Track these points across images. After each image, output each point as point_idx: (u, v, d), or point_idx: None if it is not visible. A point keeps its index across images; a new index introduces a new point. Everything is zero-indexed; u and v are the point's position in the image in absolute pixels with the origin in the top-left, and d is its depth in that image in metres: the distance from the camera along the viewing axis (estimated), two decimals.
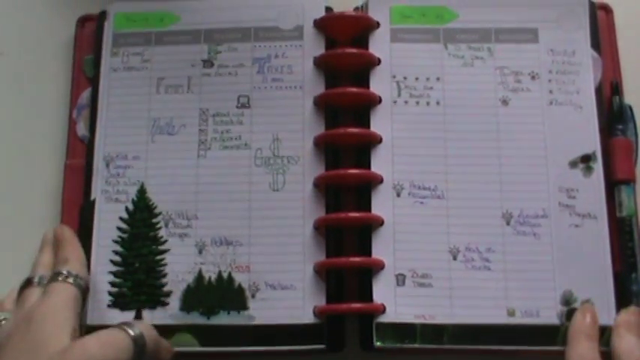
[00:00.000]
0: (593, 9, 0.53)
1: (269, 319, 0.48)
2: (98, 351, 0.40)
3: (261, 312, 0.48)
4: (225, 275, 0.49)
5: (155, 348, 0.44)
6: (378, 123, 0.51)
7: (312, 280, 0.48)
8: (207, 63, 0.53)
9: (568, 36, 0.52)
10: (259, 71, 0.52)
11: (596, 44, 0.52)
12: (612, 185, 0.50)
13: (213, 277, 0.49)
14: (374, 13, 0.53)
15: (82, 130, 0.53)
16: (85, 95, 0.54)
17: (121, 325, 0.43)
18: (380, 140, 0.50)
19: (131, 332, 0.42)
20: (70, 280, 0.45)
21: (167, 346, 0.47)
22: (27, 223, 0.53)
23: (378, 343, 0.47)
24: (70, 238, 0.49)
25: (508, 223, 0.49)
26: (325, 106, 0.51)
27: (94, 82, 0.53)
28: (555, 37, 0.52)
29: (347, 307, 0.48)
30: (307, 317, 0.48)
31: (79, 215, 0.51)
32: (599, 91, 0.52)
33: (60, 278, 0.45)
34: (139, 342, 0.42)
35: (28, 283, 0.46)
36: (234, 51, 0.53)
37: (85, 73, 0.54)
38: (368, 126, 0.51)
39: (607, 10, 0.55)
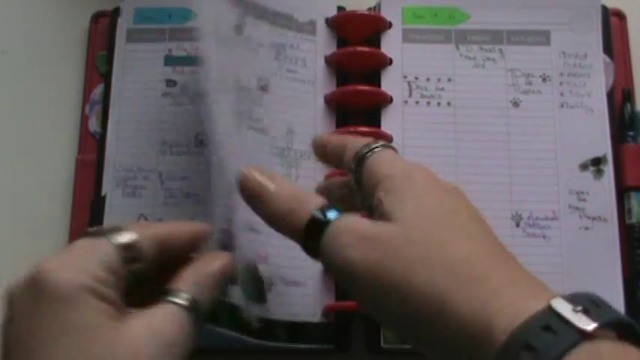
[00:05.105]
0: (606, 14, 0.53)
1: (279, 315, 0.47)
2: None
3: (273, 307, 0.47)
4: None
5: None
6: (389, 123, 0.51)
7: (322, 277, 0.48)
8: (238, 29, 0.50)
9: (580, 39, 0.52)
10: (276, 57, 0.52)
11: (608, 49, 0.52)
12: (622, 192, 0.50)
13: None
14: (386, 13, 0.53)
15: (94, 125, 0.54)
16: (98, 91, 0.54)
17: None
18: (390, 140, 0.50)
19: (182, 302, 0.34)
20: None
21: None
22: (38, 217, 0.53)
23: (386, 344, 0.47)
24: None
25: (517, 225, 0.49)
26: (336, 105, 0.51)
27: (106, 78, 0.53)
28: (567, 39, 0.52)
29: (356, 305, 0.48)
30: (317, 316, 0.48)
31: (90, 210, 0.51)
32: (610, 96, 0.51)
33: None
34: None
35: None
36: (256, 27, 0.51)
37: (99, 69, 0.55)
38: (379, 126, 0.51)
39: (621, 16, 0.54)
